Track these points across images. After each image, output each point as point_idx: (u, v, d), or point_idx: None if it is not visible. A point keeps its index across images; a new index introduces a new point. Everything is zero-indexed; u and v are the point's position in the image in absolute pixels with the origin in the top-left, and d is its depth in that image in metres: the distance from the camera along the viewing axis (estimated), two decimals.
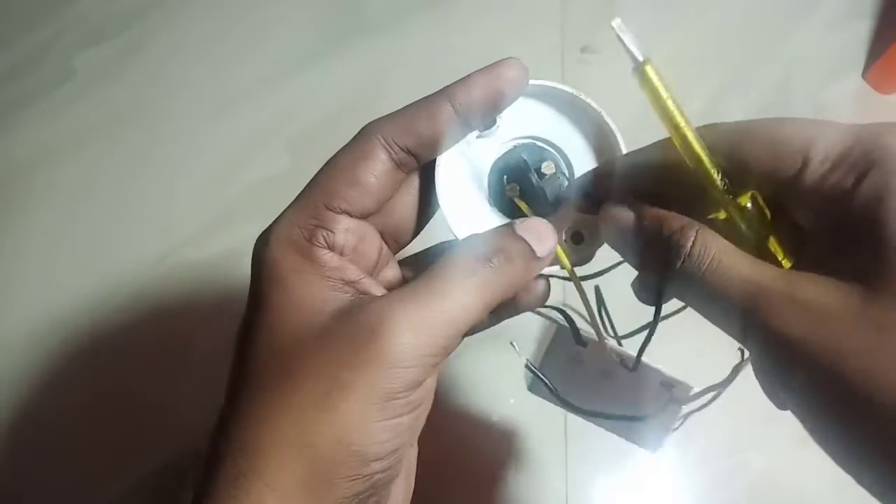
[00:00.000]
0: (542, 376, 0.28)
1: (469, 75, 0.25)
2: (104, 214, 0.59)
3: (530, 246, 0.24)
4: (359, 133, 0.26)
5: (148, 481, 0.51)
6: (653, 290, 0.25)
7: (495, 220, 0.27)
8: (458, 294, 0.23)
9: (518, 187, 0.27)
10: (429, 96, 0.25)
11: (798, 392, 0.20)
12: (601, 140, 0.27)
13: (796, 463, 0.48)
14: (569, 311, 0.30)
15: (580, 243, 0.28)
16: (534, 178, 0.27)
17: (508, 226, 0.25)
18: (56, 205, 0.60)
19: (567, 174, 0.28)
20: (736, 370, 0.30)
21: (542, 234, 0.25)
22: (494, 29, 0.64)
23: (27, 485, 0.52)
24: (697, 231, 0.22)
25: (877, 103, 0.60)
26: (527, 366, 0.27)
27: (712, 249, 0.22)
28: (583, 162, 0.28)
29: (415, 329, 0.22)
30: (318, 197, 0.25)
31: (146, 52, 0.65)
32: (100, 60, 0.64)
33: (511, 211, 0.27)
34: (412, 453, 0.28)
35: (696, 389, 0.34)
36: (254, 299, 0.25)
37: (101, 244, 0.58)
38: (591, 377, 0.33)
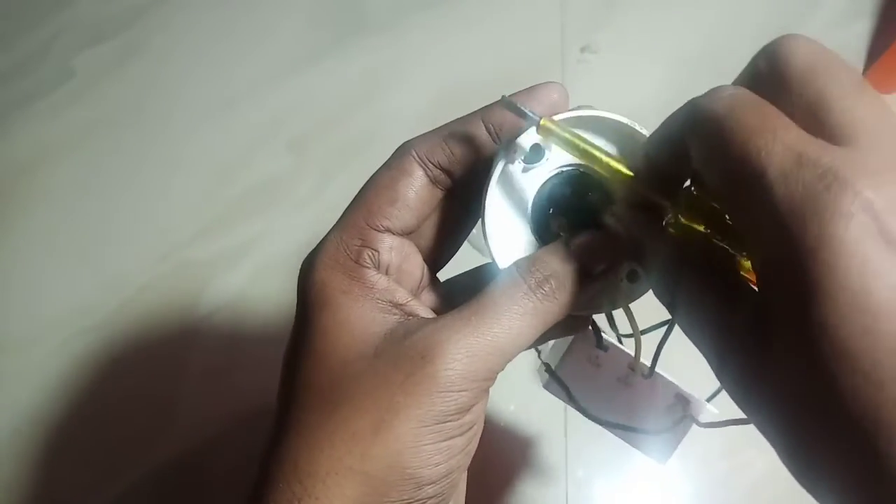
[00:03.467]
0: (561, 380, 0.28)
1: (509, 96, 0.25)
2: (104, 214, 0.59)
3: (584, 266, 0.24)
4: (395, 151, 0.26)
5: (148, 481, 0.51)
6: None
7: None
8: (509, 322, 0.23)
9: (566, 221, 0.26)
10: (465, 115, 0.25)
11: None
12: None
13: None
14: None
15: (636, 281, 0.26)
16: (580, 212, 0.26)
17: (562, 245, 0.24)
18: (56, 204, 0.60)
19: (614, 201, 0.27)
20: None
21: (600, 252, 0.24)
22: (494, 29, 0.64)
23: (27, 485, 0.52)
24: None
25: None
26: (546, 370, 0.27)
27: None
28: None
29: (466, 354, 0.22)
30: (360, 216, 0.25)
31: (146, 53, 0.65)
32: (99, 60, 0.64)
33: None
34: (462, 482, 0.27)
35: (713, 410, 0.34)
36: (302, 321, 0.24)
37: (100, 244, 0.58)
38: (607, 382, 0.33)
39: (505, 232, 0.26)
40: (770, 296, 0.18)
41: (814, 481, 0.18)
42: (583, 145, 0.23)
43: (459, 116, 0.25)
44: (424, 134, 0.25)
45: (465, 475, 0.27)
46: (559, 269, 0.24)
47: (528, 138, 0.24)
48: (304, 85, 0.63)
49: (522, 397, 0.51)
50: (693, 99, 0.20)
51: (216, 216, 0.58)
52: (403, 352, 0.22)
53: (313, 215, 0.57)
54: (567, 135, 0.23)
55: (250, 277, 0.56)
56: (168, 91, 0.63)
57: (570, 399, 0.28)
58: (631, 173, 0.23)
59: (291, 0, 0.66)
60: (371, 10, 0.65)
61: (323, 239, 0.25)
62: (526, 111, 0.23)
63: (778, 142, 0.17)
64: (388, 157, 0.26)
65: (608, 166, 0.23)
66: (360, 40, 0.64)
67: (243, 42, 0.65)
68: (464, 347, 0.22)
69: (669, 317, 0.24)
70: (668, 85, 0.59)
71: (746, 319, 0.19)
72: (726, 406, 0.31)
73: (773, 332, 0.18)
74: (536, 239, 0.26)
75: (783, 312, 0.17)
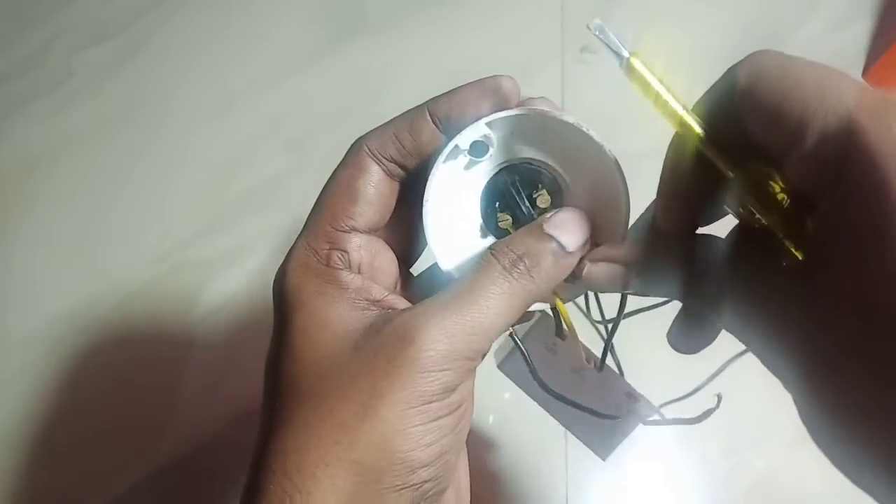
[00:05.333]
0: (523, 349, 0.27)
1: (456, 88, 0.25)
2: (104, 214, 0.59)
3: (560, 243, 0.24)
4: (349, 149, 0.26)
5: (148, 481, 0.51)
6: (696, 331, 0.24)
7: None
8: (486, 301, 0.23)
9: (510, 218, 0.26)
10: (413, 107, 0.25)
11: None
12: (599, 164, 0.25)
13: (796, 463, 0.48)
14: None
15: (572, 280, 0.26)
16: (524, 208, 0.26)
17: (537, 224, 0.25)
18: (55, 204, 0.60)
19: (564, 198, 0.26)
20: (707, 413, 0.30)
21: (572, 228, 0.25)
22: (494, 29, 0.64)
23: (27, 485, 0.52)
24: (707, 249, 0.22)
25: None
26: (511, 335, 0.27)
27: (708, 265, 0.22)
28: (578, 182, 0.26)
29: (445, 335, 0.22)
30: (324, 219, 0.25)
31: (145, 52, 0.65)
32: (99, 60, 0.64)
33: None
34: (463, 471, 0.27)
35: (660, 411, 0.34)
36: (279, 328, 0.24)
37: (100, 243, 0.58)
38: (561, 371, 0.33)
39: (449, 226, 0.26)
40: (839, 230, 0.18)
41: (844, 428, 0.18)
42: (665, 96, 0.22)
43: (409, 109, 0.25)
44: (375, 129, 0.25)
45: (465, 463, 0.27)
46: (533, 247, 0.24)
47: (470, 134, 0.24)
48: (304, 85, 0.63)
49: (522, 397, 0.51)
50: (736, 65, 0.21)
51: (215, 216, 0.58)
52: (383, 339, 0.22)
53: None
54: (654, 81, 0.22)
55: (249, 277, 0.56)
56: (168, 91, 0.63)
57: (531, 370, 0.28)
58: (711, 147, 0.22)
59: (291, 0, 0.66)
60: (370, 9, 0.65)
61: (291, 248, 0.25)
62: (614, 45, 0.22)
63: (852, 84, 0.18)
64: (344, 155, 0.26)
65: (685, 123, 0.22)
66: (359, 40, 0.64)
67: (243, 42, 0.65)
68: (442, 329, 0.22)
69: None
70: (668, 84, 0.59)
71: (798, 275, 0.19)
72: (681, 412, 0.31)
73: (832, 274, 0.18)
74: (482, 233, 0.27)
75: (854, 242, 0.17)
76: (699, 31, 0.62)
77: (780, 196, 0.21)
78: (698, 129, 0.22)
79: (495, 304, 0.23)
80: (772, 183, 0.21)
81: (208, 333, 0.55)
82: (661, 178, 0.24)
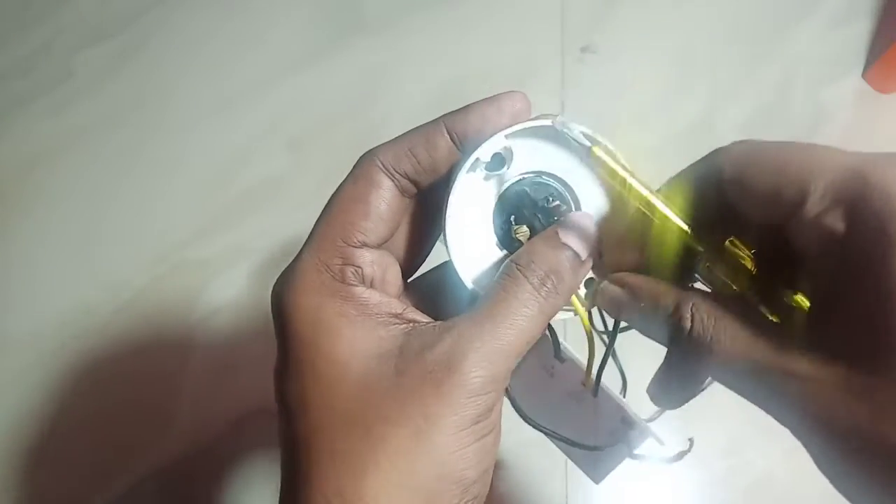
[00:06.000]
0: (510, 392, 0.27)
1: (470, 104, 0.25)
2: (103, 214, 0.59)
3: (575, 252, 0.24)
4: (358, 162, 0.25)
5: (148, 481, 0.51)
6: (679, 385, 0.24)
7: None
8: (520, 323, 0.23)
9: (527, 230, 0.26)
10: (427, 123, 0.25)
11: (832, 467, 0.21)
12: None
13: (796, 464, 0.48)
14: (553, 323, 0.29)
15: (591, 287, 0.27)
16: (540, 219, 0.26)
17: (552, 231, 0.25)
18: (54, 204, 0.60)
19: (576, 210, 0.27)
20: (680, 455, 0.30)
21: (584, 232, 0.25)
22: (494, 29, 0.64)
23: (27, 485, 0.52)
24: (693, 307, 0.22)
25: (877, 103, 0.59)
26: None
27: (709, 328, 0.22)
28: (591, 197, 0.27)
29: (488, 361, 0.22)
30: (334, 233, 0.24)
31: (145, 52, 0.65)
32: (98, 60, 0.64)
33: None
34: None
35: (658, 440, 0.33)
36: (298, 350, 0.24)
37: (100, 244, 0.58)
38: (557, 395, 0.33)
39: (467, 240, 0.26)
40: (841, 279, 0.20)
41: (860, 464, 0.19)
42: (630, 180, 0.23)
43: (421, 124, 0.25)
44: (387, 143, 0.25)
45: None
46: (554, 262, 0.24)
47: (491, 147, 0.24)
48: (303, 85, 0.63)
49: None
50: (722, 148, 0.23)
51: (215, 216, 0.58)
52: (427, 366, 0.22)
53: (312, 215, 0.57)
54: (618, 168, 0.23)
55: (249, 278, 0.56)
56: (167, 91, 0.63)
57: (518, 411, 0.28)
58: (685, 227, 0.23)
59: (290, 0, 0.66)
60: (370, 9, 0.65)
61: (296, 259, 0.25)
62: (579, 138, 0.23)
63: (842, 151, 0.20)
64: (352, 167, 0.25)
65: (651, 205, 0.23)
66: (358, 40, 0.64)
67: (242, 42, 0.65)
68: (484, 355, 0.22)
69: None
70: (667, 85, 0.59)
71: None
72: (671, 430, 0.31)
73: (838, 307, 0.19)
74: (499, 246, 0.27)
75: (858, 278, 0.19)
76: (699, 31, 0.62)
77: (748, 263, 0.23)
78: (666, 211, 0.24)
79: (528, 325, 0.23)
80: (738, 252, 0.23)
81: (208, 334, 0.55)
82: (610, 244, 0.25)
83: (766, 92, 0.60)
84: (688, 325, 0.22)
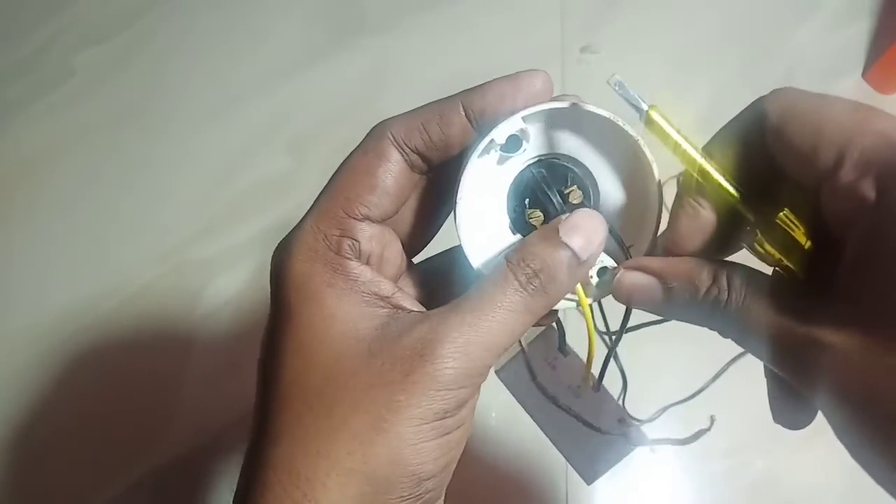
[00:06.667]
0: (528, 359, 0.27)
1: (489, 81, 0.24)
2: (104, 214, 0.59)
3: (574, 252, 0.23)
4: (370, 133, 0.24)
5: (148, 481, 0.51)
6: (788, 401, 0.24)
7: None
8: (502, 318, 0.22)
9: (541, 214, 0.25)
10: (444, 98, 0.24)
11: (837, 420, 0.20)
12: (633, 164, 0.25)
13: (796, 463, 0.48)
14: (560, 315, 0.28)
15: (604, 276, 0.25)
16: (556, 203, 0.25)
17: (553, 229, 0.23)
18: (55, 204, 0.60)
19: (592, 196, 0.26)
20: (699, 433, 0.30)
21: (589, 232, 0.23)
22: (494, 29, 0.64)
23: (27, 484, 0.52)
24: (726, 278, 0.22)
25: (877, 103, 0.59)
26: (519, 341, 0.26)
27: (744, 296, 0.22)
28: (609, 183, 0.26)
29: (463, 353, 0.22)
30: (337, 204, 0.24)
31: (146, 53, 0.65)
32: (100, 60, 0.64)
33: None
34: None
35: (650, 442, 0.33)
36: (282, 315, 0.23)
37: (100, 244, 0.58)
38: (558, 388, 0.33)
39: (479, 222, 0.25)
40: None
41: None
42: (683, 146, 0.23)
43: (438, 99, 0.24)
44: (400, 116, 0.24)
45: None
46: (548, 260, 0.23)
47: (507, 128, 0.24)
48: (304, 85, 0.63)
49: (519, 393, 0.51)
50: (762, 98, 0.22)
51: (216, 216, 0.58)
52: (400, 351, 0.22)
53: None
54: (672, 132, 0.23)
55: (250, 277, 0.56)
56: (168, 91, 0.63)
57: (533, 379, 0.28)
58: (733, 191, 0.23)
59: (291, 0, 0.66)
60: (370, 10, 0.65)
61: (297, 226, 0.24)
62: (634, 99, 0.22)
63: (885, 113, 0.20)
64: (363, 138, 0.25)
65: (704, 170, 0.23)
66: (359, 40, 0.64)
67: (243, 42, 0.65)
68: (460, 347, 0.22)
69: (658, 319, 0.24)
70: (668, 85, 0.59)
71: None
72: (671, 431, 0.31)
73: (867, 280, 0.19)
74: (511, 230, 0.26)
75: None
76: (699, 32, 0.62)
77: (802, 239, 0.22)
78: (718, 177, 0.23)
79: (509, 320, 0.22)
80: (791, 225, 0.22)
81: (209, 333, 0.55)
82: (672, 219, 0.24)
83: (766, 92, 0.60)
84: (724, 296, 0.22)
